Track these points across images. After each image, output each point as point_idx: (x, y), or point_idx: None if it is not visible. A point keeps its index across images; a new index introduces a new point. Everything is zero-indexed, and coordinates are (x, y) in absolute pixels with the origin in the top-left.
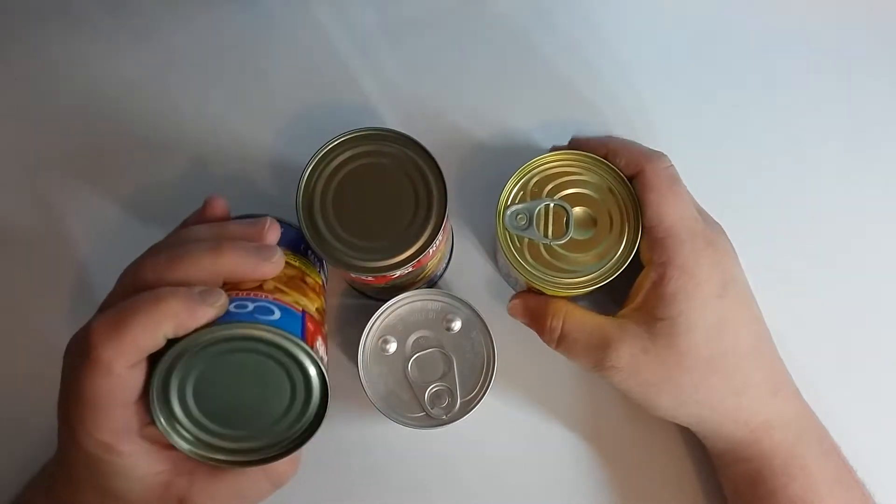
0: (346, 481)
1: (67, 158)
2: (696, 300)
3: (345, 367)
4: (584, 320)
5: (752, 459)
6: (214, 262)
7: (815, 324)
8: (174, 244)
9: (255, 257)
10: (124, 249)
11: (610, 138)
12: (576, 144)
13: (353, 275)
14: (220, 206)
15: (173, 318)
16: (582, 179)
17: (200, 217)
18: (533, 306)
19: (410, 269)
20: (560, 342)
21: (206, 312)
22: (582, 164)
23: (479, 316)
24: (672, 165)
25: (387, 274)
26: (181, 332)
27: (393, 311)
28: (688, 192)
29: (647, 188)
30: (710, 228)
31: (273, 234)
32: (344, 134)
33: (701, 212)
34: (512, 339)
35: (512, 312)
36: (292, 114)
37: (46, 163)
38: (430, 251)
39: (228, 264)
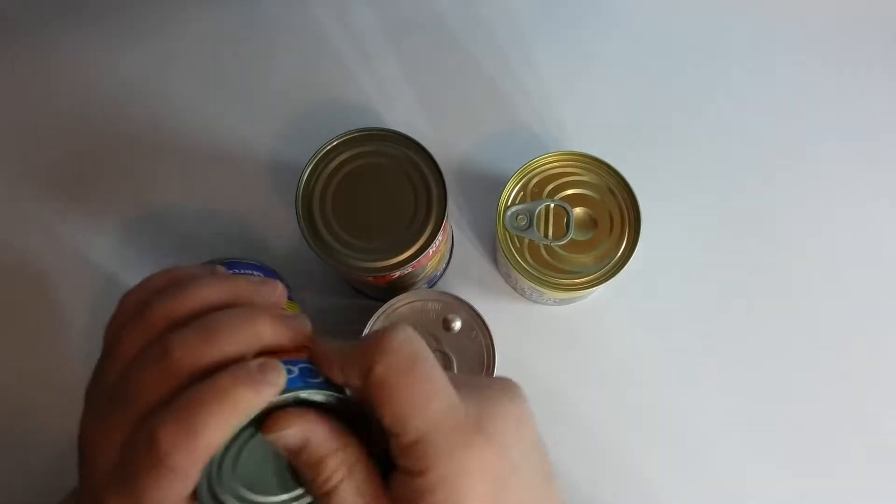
0: None
1: (67, 158)
2: None
3: None
4: None
5: None
6: (253, 337)
7: (816, 324)
8: (188, 309)
9: (288, 328)
10: (123, 248)
11: (321, 345)
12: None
13: (352, 275)
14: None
15: (244, 409)
16: (582, 180)
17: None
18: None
19: (410, 270)
20: None
21: (270, 391)
22: (582, 164)
23: (479, 316)
24: (407, 339)
25: (387, 274)
26: (249, 418)
27: (393, 311)
28: (435, 368)
29: (378, 386)
30: (479, 406)
31: (283, 297)
32: (344, 134)
33: (465, 385)
34: (512, 339)
35: None
36: (292, 114)
37: (47, 162)
38: (430, 251)
39: (266, 338)
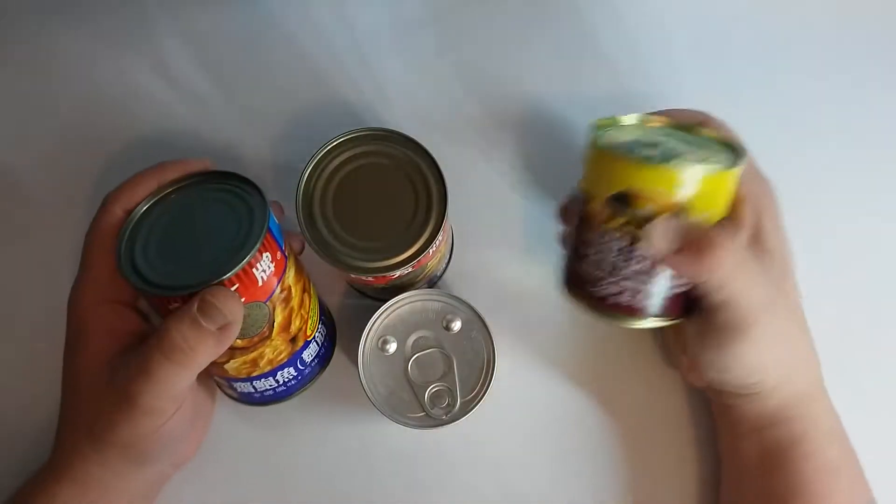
0: (347, 481)
1: (66, 158)
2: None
3: (345, 367)
4: None
5: (801, 419)
6: None
7: (815, 324)
8: None
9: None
10: None
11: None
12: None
13: (352, 275)
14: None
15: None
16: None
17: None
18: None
19: (410, 270)
20: None
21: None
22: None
23: (479, 316)
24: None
25: (387, 274)
26: None
27: (393, 311)
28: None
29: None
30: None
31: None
32: (344, 134)
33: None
34: (512, 339)
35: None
36: (292, 114)
37: (46, 162)
38: (430, 251)
39: None
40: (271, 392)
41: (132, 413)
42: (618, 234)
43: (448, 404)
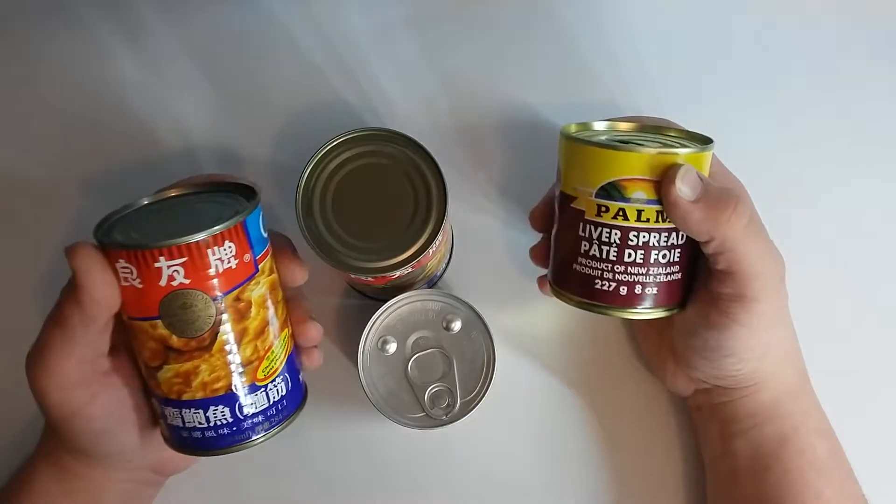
0: (346, 482)
1: (65, 160)
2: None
3: (345, 368)
4: None
5: (792, 415)
6: None
7: (813, 325)
8: None
9: None
10: None
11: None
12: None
13: (352, 275)
14: None
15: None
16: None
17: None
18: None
19: (410, 270)
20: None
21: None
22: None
23: (479, 316)
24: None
25: (386, 274)
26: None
27: (393, 312)
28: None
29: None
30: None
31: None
32: (344, 134)
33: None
34: (512, 339)
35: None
36: (292, 114)
37: (44, 163)
38: (430, 251)
39: None
40: (199, 434)
41: (42, 393)
42: (610, 226)
43: (448, 404)
